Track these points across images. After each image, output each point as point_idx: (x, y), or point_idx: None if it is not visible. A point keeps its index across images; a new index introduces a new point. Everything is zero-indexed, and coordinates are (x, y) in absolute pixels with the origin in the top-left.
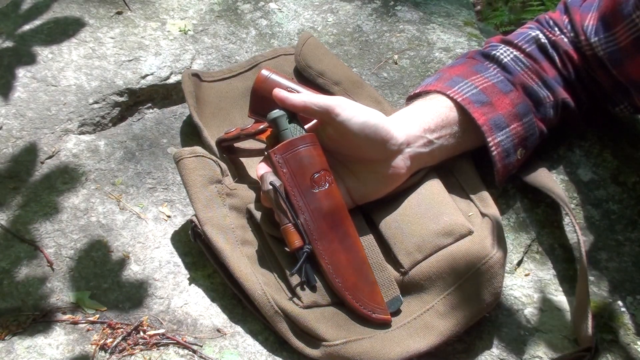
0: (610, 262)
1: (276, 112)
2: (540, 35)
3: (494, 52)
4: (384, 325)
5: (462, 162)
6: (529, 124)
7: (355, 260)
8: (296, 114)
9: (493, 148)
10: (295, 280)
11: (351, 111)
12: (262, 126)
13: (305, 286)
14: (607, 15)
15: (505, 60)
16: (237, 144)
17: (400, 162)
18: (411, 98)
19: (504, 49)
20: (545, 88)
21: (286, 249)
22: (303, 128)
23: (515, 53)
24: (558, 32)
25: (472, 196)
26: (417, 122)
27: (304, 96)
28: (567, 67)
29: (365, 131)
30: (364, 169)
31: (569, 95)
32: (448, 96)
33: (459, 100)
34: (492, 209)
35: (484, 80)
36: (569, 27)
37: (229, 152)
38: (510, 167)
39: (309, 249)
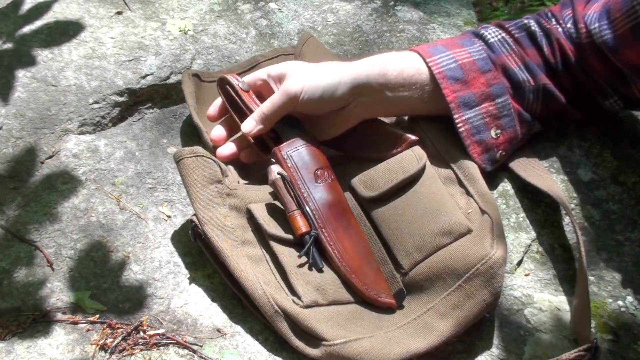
0: (610, 262)
1: None
2: (532, 23)
3: (482, 31)
4: (389, 310)
5: (462, 156)
6: (503, 105)
7: (359, 247)
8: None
9: (460, 125)
10: (296, 278)
11: (309, 87)
12: None
13: (313, 268)
14: (610, 3)
15: (492, 40)
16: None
17: (353, 109)
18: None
19: (494, 29)
20: (526, 71)
21: (289, 239)
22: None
23: (503, 35)
24: (554, 22)
25: (472, 192)
26: (379, 75)
27: (259, 119)
28: (556, 56)
29: (324, 98)
30: (315, 117)
31: (551, 83)
32: (427, 63)
33: (435, 72)
34: (492, 205)
35: (465, 55)
36: (566, 19)
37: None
38: (487, 145)
39: (316, 234)
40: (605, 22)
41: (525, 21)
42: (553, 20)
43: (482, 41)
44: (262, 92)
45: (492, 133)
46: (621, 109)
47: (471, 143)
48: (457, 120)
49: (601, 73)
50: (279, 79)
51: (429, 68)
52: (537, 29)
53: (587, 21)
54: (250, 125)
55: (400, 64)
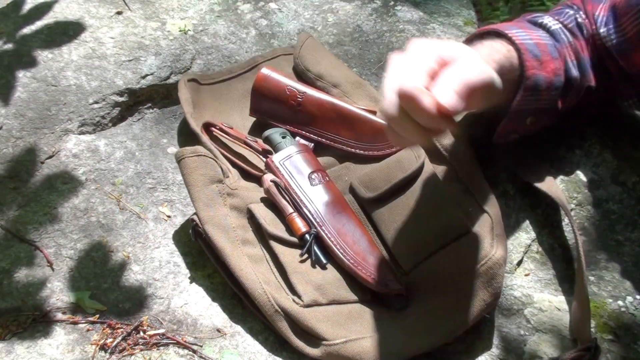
0: (610, 262)
1: (269, 131)
2: (578, 15)
3: (541, 20)
4: (399, 297)
5: (463, 153)
6: (554, 99)
7: (360, 240)
8: (287, 131)
9: (519, 104)
10: (297, 278)
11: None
12: (267, 148)
13: (316, 265)
14: (617, 6)
15: (554, 27)
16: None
17: None
18: (471, 40)
19: (550, 18)
20: (577, 69)
21: (293, 239)
22: (294, 140)
23: (560, 25)
24: (584, 16)
25: (472, 189)
26: (500, 85)
27: (461, 93)
28: (592, 51)
29: (492, 94)
30: None
31: (595, 81)
32: (509, 38)
33: (517, 42)
34: (492, 204)
35: (537, 37)
36: (589, 14)
37: (212, 137)
38: (515, 129)
39: (315, 232)
40: (614, 25)
41: (571, 12)
42: (581, 12)
43: (543, 29)
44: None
45: (528, 121)
46: (638, 110)
47: (510, 122)
48: (519, 99)
49: (616, 76)
50: (449, 60)
51: (513, 42)
52: (582, 21)
53: (597, 23)
54: (451, 98)
55: (499, 52)
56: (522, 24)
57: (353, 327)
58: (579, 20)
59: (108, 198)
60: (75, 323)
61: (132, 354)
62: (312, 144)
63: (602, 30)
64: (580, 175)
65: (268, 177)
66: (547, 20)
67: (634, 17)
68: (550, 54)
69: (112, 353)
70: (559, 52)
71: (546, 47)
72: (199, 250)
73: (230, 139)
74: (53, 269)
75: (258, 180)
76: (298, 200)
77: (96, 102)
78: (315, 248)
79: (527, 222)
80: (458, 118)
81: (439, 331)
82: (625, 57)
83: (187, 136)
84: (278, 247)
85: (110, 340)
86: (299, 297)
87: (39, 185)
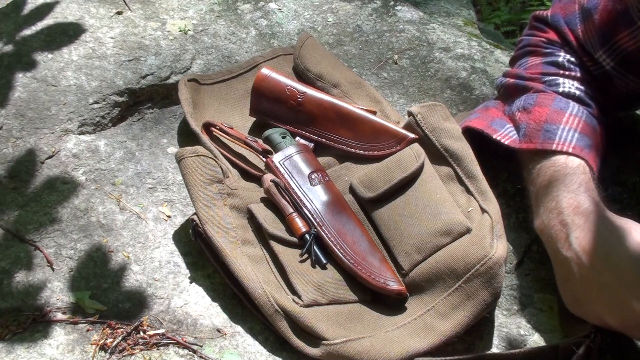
0: None
1: (269, 131)
2: (562, 54)
3: (561, 89)
4: (400, 296)
5: (463, 152)
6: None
7: (360, 240)
8: (287, 131)
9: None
10: (297, 278)
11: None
12: (267, 148)
13: (316, 265)
14: (603, 27)
15: (579, 93)
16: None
17: None
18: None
19: (565, 81)
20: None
21: (293, 238)
22: (294, 140)
23: (576, 84)
24: (567, 48)
25: (472, 189)
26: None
27: None
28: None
29: None
30: None
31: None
32: (562, 152)
33: (571, 151)
34: (492, 204)
35: (575, 119)
36: (572, 45)
37: (212, 136)
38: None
39: (315, 232)
40: (607, 45)
41: (561, 53)
42: (572, 66)
43: (570, 98)
44: None
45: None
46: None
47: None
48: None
49: (625, 90)
50: None
51: (579, 156)
52: (571, 58)
53: (587, 48)
54: None
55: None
56: (552, 102)
57: (353, 327)
58: (570, 59)
59: (108, 198)
60: (75, 323)
61: (132, 354)
62: (312, 144)
63: (598, 55)
64: None
65: (268, 177)
66: (568, 86)
67: (633, 33)
68: (594, 128)
69: (112, 353)
70: (596, 117)
71: (586, 125)
72: (199, 250)
73: (230, 139)
74: (53, 269)
75: (258, 180)
76: (298, 200)
77: (96, 102)
78: (315, 248)
79: (527, 222)
80: (459, 129)
81: (439, 331)
82: (636, 68)
83: (187, 136)
84: (278, 247)
85: (110, 340)
86: (299, 297)
87: (39, 185)
